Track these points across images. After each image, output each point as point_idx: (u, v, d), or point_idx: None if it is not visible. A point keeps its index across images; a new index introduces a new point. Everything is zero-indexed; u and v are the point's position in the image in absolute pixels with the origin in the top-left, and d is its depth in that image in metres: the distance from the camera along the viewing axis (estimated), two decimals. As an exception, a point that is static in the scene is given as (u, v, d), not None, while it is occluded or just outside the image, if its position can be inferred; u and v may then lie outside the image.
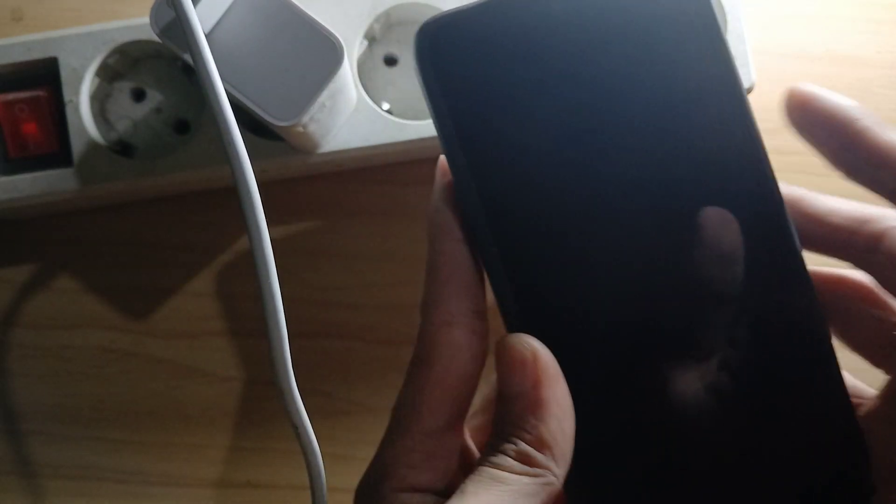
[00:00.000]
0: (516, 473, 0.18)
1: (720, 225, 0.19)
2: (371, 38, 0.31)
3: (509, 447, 0.18)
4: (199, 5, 0.24)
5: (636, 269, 0.19)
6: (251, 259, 0.23)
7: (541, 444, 0.18)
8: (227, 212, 0.33)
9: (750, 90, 0.30)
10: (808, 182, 0.34)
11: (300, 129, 0.26)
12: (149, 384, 0.33)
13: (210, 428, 0.33)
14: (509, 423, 0.18)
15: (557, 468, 0.18)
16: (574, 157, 0.19)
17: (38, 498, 0.32)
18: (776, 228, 0.20)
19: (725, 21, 0.30)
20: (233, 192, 0.23)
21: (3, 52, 0.29)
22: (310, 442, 0.25)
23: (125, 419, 0.33)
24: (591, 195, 0.19)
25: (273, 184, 0.33)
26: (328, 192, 0.33)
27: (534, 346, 0.18)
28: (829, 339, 0.20)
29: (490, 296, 0.20)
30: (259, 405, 0.33)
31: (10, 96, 0.29)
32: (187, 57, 0.24)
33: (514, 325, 0.19)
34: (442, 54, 0.18)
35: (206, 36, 0.25)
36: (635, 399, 0.19)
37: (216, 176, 0.30)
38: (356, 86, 0.30)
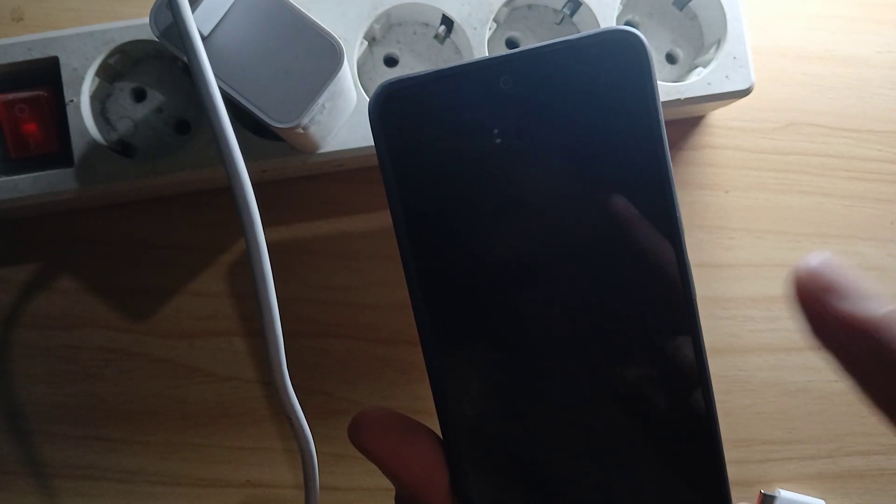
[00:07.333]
0: None
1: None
2: (371, 39, 0.31)
3: None
4: (199, 8, 0.24)
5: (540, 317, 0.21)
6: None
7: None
8: (227, 212, 0.33)
9: (750, 90, 0.30)
10: (807, 182, 0.34)
11: (300, 130, 0.26)
12: (149, 384, 0.33)
13: (210, 428, 0.33)
14: None
15: None
16: (492, 230, 0.21)
17: (39, 498, 0.32)
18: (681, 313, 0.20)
19: (725, 22, 0.30)
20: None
21: (3, 52, 0.29)
22: (301, 428, 0.25)
23: (125, 419, 0.33)
24: (506, 263, 0.21)
25: (273, 184, 0.33)
26: (328, 192, 0.33)
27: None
28: (712, 397, 0.21)
29: None
30: (259, 405, 0.33)
31: (11, 96, 0.29)
32: (187, 57, 0.24)
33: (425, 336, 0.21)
34: (389, 115, 0.20)
35: (207, 38, 0.25)
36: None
37: (216, 176, 0.30)
38: (356, 86, 0.30)
